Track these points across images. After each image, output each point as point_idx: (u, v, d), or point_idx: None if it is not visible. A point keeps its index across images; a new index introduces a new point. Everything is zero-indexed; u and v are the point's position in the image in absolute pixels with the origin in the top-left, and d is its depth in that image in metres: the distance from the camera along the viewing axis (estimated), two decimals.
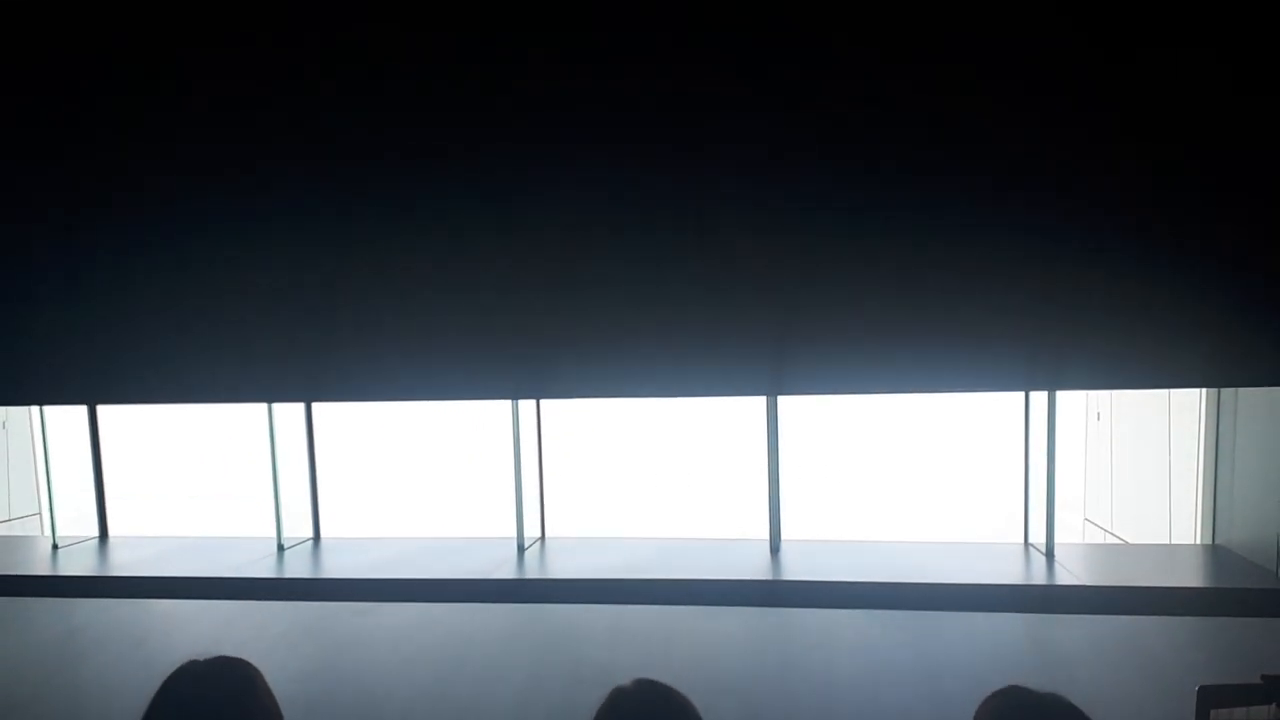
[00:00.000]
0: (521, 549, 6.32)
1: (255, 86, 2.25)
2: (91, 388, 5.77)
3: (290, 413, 6.82)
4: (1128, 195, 2.56)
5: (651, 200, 2.63)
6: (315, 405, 6.90)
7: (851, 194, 2.81)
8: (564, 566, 6.04)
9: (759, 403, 6.15)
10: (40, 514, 7.92)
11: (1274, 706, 1.76)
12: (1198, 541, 6.13)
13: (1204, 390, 6.03)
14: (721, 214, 2.81)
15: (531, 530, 6.52)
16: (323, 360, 5.03)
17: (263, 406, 6.66)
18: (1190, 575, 5.63)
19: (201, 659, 1.61)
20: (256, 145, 2.42)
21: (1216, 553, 5.84)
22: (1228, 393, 5.77)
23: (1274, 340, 4.12)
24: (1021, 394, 6.05)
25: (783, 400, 6.12)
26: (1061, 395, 5.88)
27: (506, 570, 5.89)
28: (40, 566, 6.49)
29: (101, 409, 7.21)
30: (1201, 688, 1.77)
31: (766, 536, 6.24)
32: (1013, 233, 2.87)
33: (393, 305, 3.80)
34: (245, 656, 1.66)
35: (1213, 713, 1.77)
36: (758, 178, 2.64)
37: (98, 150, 2.41)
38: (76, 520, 7.17)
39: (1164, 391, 6.67)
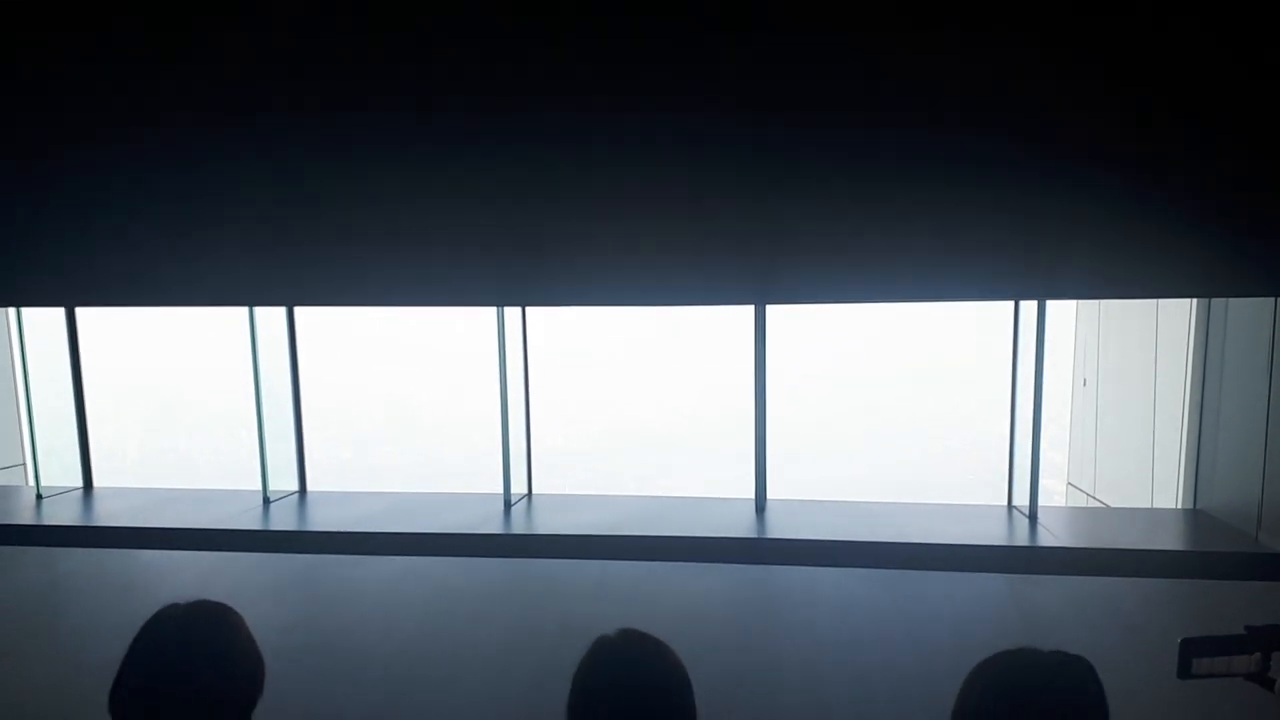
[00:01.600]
0: (508, 505, 6.33)
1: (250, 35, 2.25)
2: (74, 289, 5.76)
3: (277, 362, 6.78)
4: (1115, 118, 2.58)
5: (641, 115, 2.61)
6: (302, 359, 6.85)
7: (842, 109, 2.81)
8: (550, 522, 6.05)
9: (748, 362, 6.14)
10: (24, 464, 7.88)
11: (1258, 656, 1.77)
12: (1179, 506, 6.18)
13: (1189, 356, 6.05)
14: (714, 130, 2.80)
15: (519, 488, 6.53)
16: (306, 265, 5.03)
17: (248, 361, 6.61)
18: (1171, 538, 5.68)
19: (182, 603, 1.59)
20: (240, 75, 2.41)
21: (1197, 517, 5.90)
22: (1213, 359, 5.80)
23: (1259, 253, 4.16)
24: (1009, 343, 6.06)
25: (771, 361, 6.11)
26: (1049, 360, 5.88)
27: (493, 525, 5.91)
28: (25, 516, 6.47)
29: (85, 358, 7.15)
30: (1184, 640, 1.78)
31: (752, 495, 6.27)
32: (1004, 147, 2.88)
33: (379, 212, 3.78)
34: (234, 607, 1.65)
35: (1195, 661, 1.78)
36: (750, 97, 2.65)
37: (96, 78, 2.40)
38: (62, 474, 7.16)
39: (1149, 357, 6.69)
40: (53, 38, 2.31)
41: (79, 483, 7.18)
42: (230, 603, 1.66)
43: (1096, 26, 2.14)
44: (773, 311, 6.09)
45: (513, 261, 4.70)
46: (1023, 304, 5.97)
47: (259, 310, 6.59)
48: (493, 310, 6.30)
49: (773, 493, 6.24)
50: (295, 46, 2.37)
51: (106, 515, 6.52)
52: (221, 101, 2.77)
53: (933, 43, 2.27)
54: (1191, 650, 1.79)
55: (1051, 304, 5.84)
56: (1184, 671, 1.79)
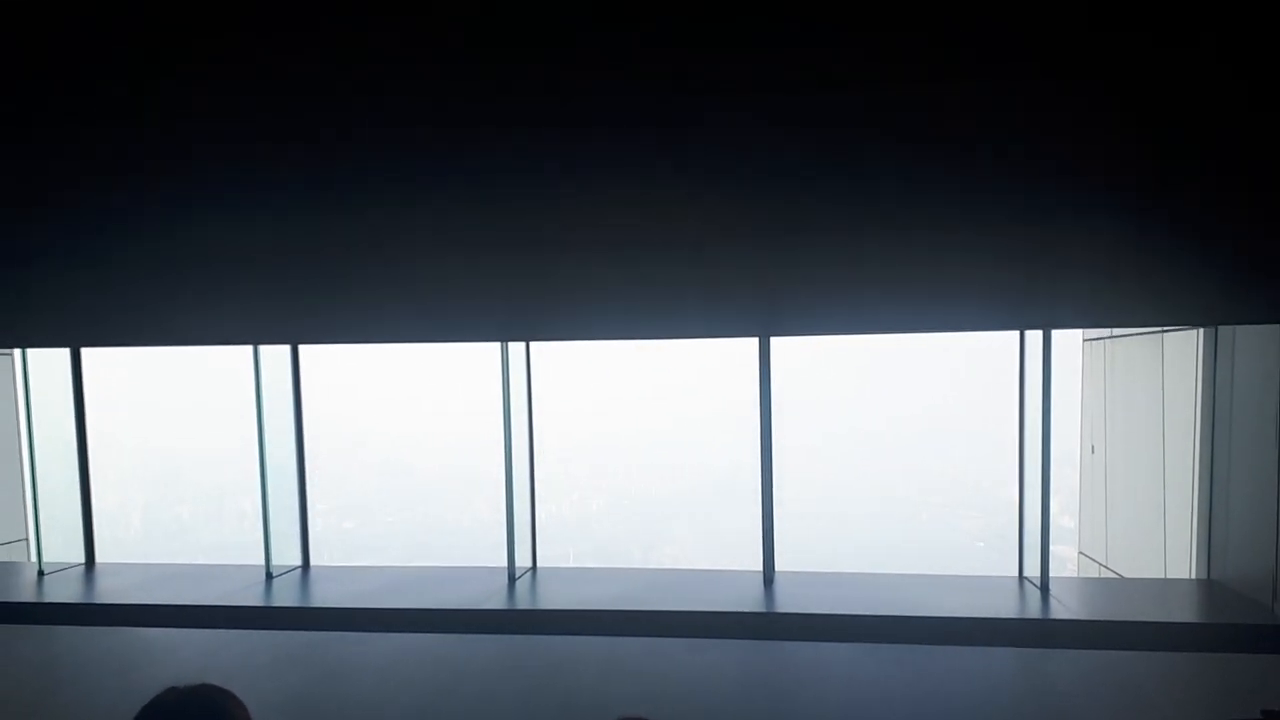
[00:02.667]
0: (513, 579, 6.27)
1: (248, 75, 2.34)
2: (80, 330, 5.78)
3: (282, 435, 6.78)
4: (1117, 150, 2.64)
5: (640, 149, 2.68)
6: (306, 428, 6.85)
7: (845, 142, 2.89)
8: (555, 597, 5.98)
9: (754, 431, 6.12)
10: (27, 539, 7.84)
11: None
12: (1192, 576, 6.10)
13: (1198, 422, 6.03)
14: (715, 162, 2.86)
15: (523, 560, 6.47)
16: (309, 306, 5.07)
17: (253, 431, 6.61)
18: (1185, 610, 5.59)
19: (180, 687, 1.57)
20: (244, 121, 2.50)
21: (1211, 587, 5.82)
22: (1221, 427, 5.77)
23: (1259, 279, 4.18)
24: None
25: (777, 431, 6.11)
26: (1056, 428, 5.87)
27: (497, 601, 5.84)
28: (26, 593, 6.42)
29: (91, 430, 7.16)
30: None
31: (760, 568, 6.20)
32: (1005, 178, 2.94)
33: (387, 251, 3.83)
34: (231, 686, 1.62)
35: None
36: (753, 127, 2.72)
37: (102, 120, 2.49)
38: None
39: (1158, 423, 6.67)
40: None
41: (81, 557, 7.13)
42: (231, 681, 1.64)
43: (1099, 58, 2.20)
44: (777, 379, 6.09)
45: (517, 297, 4.75)
46: (1028, 367, 5.98)
47: (265, 379, 6.62)
48: (498, 379, 6.31)
49: (780, 560, 6.18)
50: (297, 88, 2.45)
51: (108, 592, 6.47)
52: (227, 145, 2.87)
53: (938, 84, 2.35)
54: None
55: (1057, 368, 5.84)
56: None
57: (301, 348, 6.81)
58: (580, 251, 3.96)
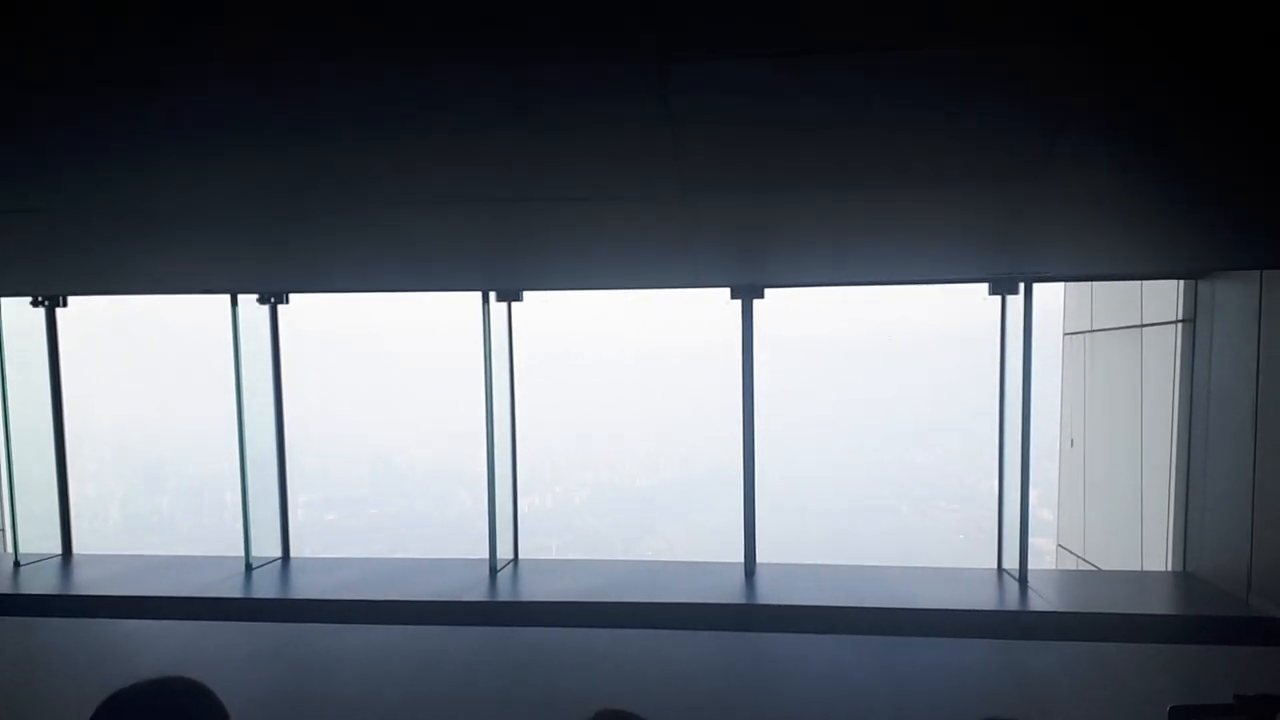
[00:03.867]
0: (494, 570, 6.26)
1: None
2: (61, 278, 5.74)
3: (263, 425, 6.74)
4: (1100, 99, 2.65)
5: (627, 96, 2.69)
6: (287, 417, 6.81)
7: (829, 88, 2.91)
8: (536, 589, 5.98)
9: (735, 420, 6.13)
10: (3, 530, 7.76)
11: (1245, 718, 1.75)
12: (1169, 568, 6.16)
13: (1176, 416, 6.08)
14: (700, 113, 2.87)
15: (505, 552, 6.46)
16: (292, 254, 5.08)
17: (233, 423, 6.57)
18: (1161, 602, 5.65)
19: (149, 679, 1.52)
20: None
21: (1187, 579, 5.88)
22: (1199, 421, 5.82)
23: (1237, 230, 4.24)
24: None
25: (760, 424, 6.12)
26: (1036, 425, 5.91)
27: (478, 592, 5.83)
28: (2, 584, 6.35)
29: (69, 420, 7.09)
30: (1173, 708, 1.76)
31: (741, 560, 6.22)
32: (989, 123, 2.96)
33: (365, 199, 3.84)
34: (209, 678, 1.59)
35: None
36: (737, 72, 2.75)
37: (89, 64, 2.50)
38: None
39: (1136, 417, 6.72)
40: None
41: (58, 549, 7.08)
42: (210, 673, 1.60)
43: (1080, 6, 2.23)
44: (761, 373, 6.09)
45: (500, 248, 4.76)
46: (1009, 362, 6.00)
47: (246, 371, 6.57)
48: (480, 372, 6.29)
49: (761, 553, 6.20)
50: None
51: (85, 584, 6.41)
52: (208, 100, 2.88)
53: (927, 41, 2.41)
54: (1181, 719, 1.77)
55: (1037, 363, 5.86)
56: None
57: (282, 341, 6.76)
58: (562, 205, 4.00)
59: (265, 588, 6.13)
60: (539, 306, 6.44)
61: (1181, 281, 6.01)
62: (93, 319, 7.29)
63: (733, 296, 6.03)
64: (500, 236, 4.56)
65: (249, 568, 6.48)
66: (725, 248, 4.62)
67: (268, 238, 4.68)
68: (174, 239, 4.54)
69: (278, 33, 2.47)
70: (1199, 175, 3.47)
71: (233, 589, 6.06)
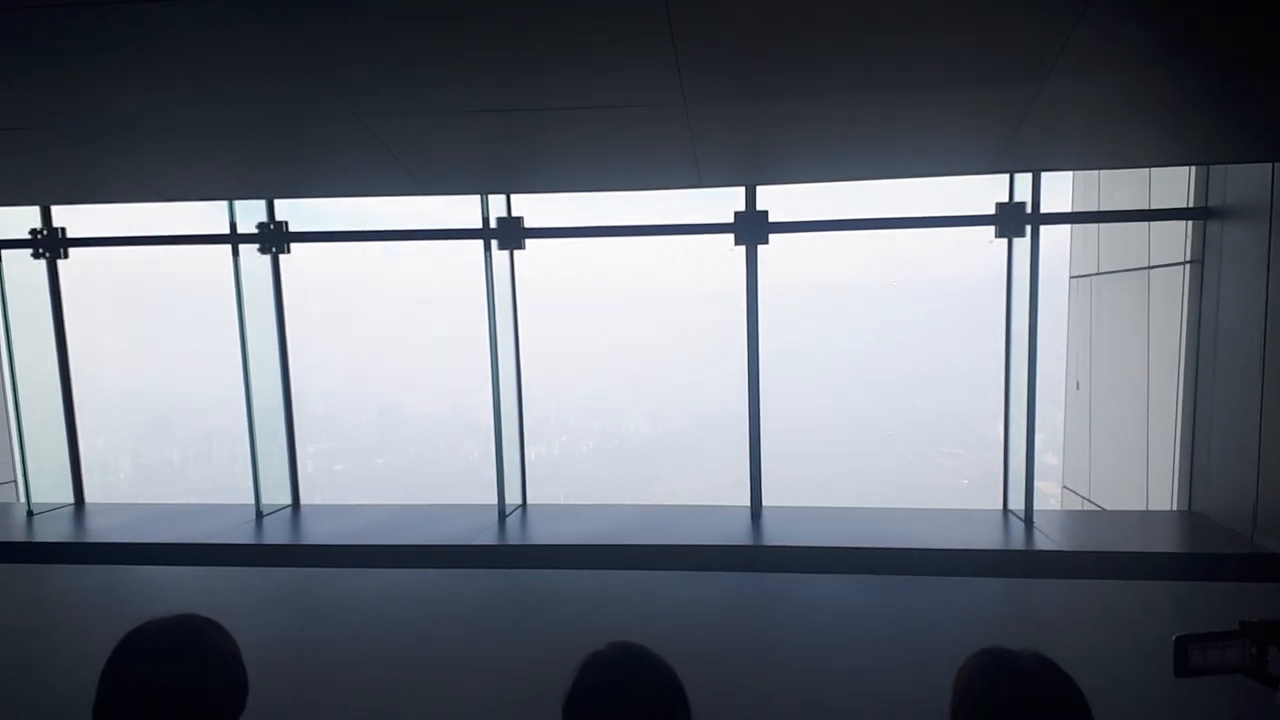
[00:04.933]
0: (503, 516, 6.30)
1: None
2: (58, 188, 5.78)
3: (269, 375, 6.75)
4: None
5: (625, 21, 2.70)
6: (294, 369, 6.82)
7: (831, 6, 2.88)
8: (544, 533, 6.03)
9: (741, 363, 6.13)
10: (15, 482, 7.82)
11: (1254, 650, 1.77)
12: (1174, 508, 6.18)
13: (1181, 358, 6.06)
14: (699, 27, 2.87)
15: (513, 499, 6.50)
16: (290, 160, 5.13)
17: (240, 374, 6.58)
18: (1166, 541, 5.68)
19: (163, 617, 1.56)
20: None
21: (1192, 519, 5.90)
22: (1205, 361, 5.80)
23: (1245, 119, 4.23)
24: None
25: (765, 369, 6.11)
26: (1042, 365, 5.89)
27: (487, 537, 5.88)
28: (15, 533, 6.42)
29: (76, 372, 7.11)
30: (1179, 637, 1.79)
31: (748, 503, 6.25)
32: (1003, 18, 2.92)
33: (368, 101, 3.85)
34: (221, 620, 1.62)
35: (1191, 656, 1.78)
36: None
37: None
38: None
39: (1142, 360, 6.70)
40: None
41: (70, 499, 7.14)
42: (222, 617, 1.63)
43: None
44: (765, 317, 6.07)
45: (498, 153, 4.79)
46: (1015, 302, 5.97)
47: (250, 320, 6.56)
48: (484, 320, 6.28)
49: (767, 496, 6.23)
50: None
51: (97, 531, 6.48)
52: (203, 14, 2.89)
53: None
54: (1188, 646, 1.79)
55: (1043, 306, 5.83)
56: (1181, 668, 1.79)
57: (286, 291, 6.75)
58: (560, 111, 4.01)
59: (276, 533, 6.19)
60: (542, 253, 6.41)
61: (1190, 223, 5.95)
62: (94, 272, 7.27)
63: (737, 242, 5.99)
64: (501, 144, 4.60)
65: (259, 515, 6.53)
66: (727, 148, 4.64)
67: (264, 149, 4.75)
68: (174, 148, 4.59)
69: None
70: (1215, 61, 3.44)
71: (244, 535, 6.12)
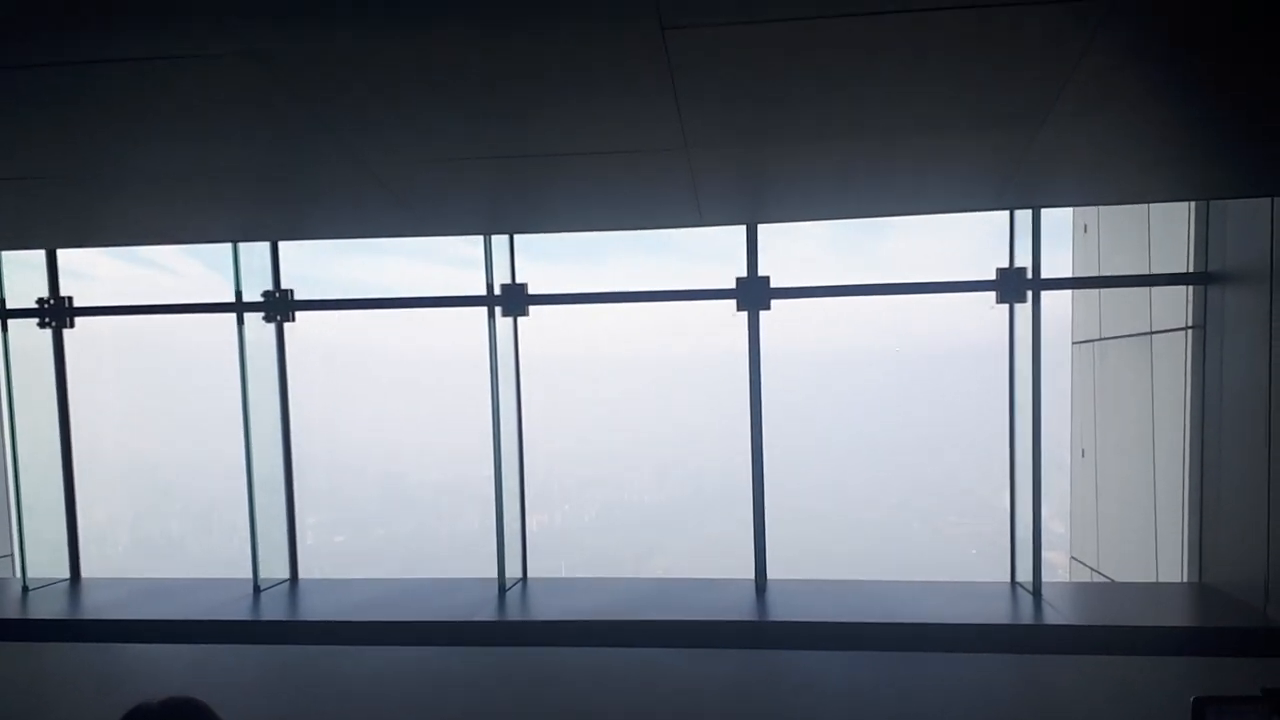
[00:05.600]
0: (503, 590, 6.22)
1: None
2: (60, 232, 5.81)
3: (269, 446, 6.73)
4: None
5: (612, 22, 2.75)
6: (295, 438, 6.80)
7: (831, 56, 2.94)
8: (546, 608, 5.94)
9: (744, 435, 6.10)
10: (11, 555, 7.75)
11: (1272, 715, 1.73)
12: (1184, 579, 6.09)
13: (1188, 423, 6.03)
14: (697, 36, 2.92)
15: (513, 571, 6.42)
16: (293, 203, 5.18)
17: (240, 444, 6.56)
18: (1178, 614, 5.58)
19: (153, 701, 1.54)
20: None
21: (1204, 591, 5.81)
22: (1211, 429, 5.77)
23: (1246, 156, 4.25)
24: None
25: (768, 438, 6.08)
26: (1047, 436, 5.86)
27: (487, 612, 5.79)
28: (10, 609, 6.34)
29: (76, 443, 7.09)
30: (1197, 699, 1.75)
31: (752, 576, 6.17)
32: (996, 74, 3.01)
33: (373, 145, 3.90)
34: (217, 701, 1.59)
35: (1208, 710, 1.74)
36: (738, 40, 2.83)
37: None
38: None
39: (1148, 425, 6.67)
40: None
41: (67, 573, 7.06)
42: (217, 696, 1.61)
43: None
44: (768, 385, 6.07)
45: (501, 192, 4.84)
46: (1018, 369, 5.97)
47: (252, 390, 6.57)
48: (487, 389, 6.28)
49: (771, 564, 6.15)
50: None
51: (93, 608, 6.40)
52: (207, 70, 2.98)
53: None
54: (1205, 707, 1.75)
55: (1046, 372, 5.82)
56: None
57: (289, 360, 6.76)
58: (562, 158, 4.13)
59: (273, 609, 6.10)
60: (545, 320, 6.44)
61: (1190, 288, 5.97)
62: (99, 340, 7.30)
63: (739, 308, 6.02)
64: (504, 188, 4.71)
65: (257, 589, 6.45)
66: (728, 188, 4.72)
67: (268, 192, 4.84)
68: (176, 194, 4.69)
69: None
70: (1214, 103, 3.51)
71: (240, 611, 6.03)
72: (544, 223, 5.68)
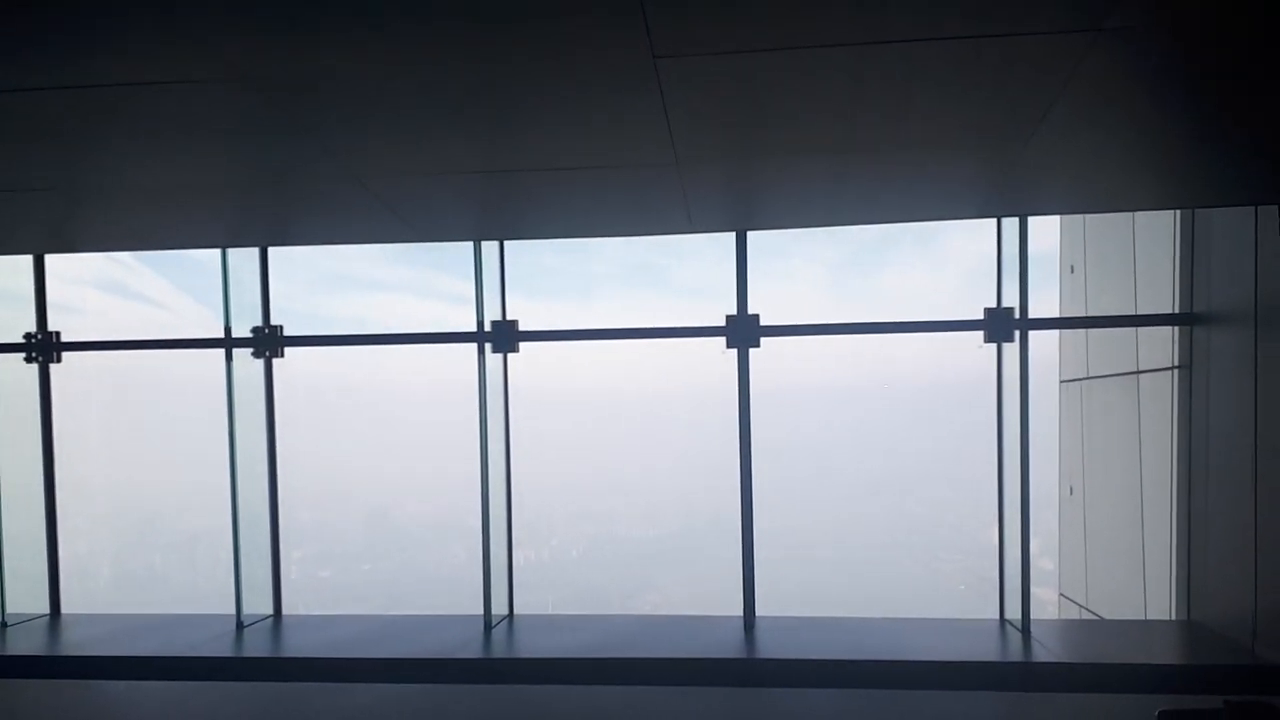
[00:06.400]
0: (489, 627, 6.16)
1: None
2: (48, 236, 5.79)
3: (255, 480, 6.68)
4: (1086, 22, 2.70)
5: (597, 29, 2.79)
6: (280, 473, 6.76)
7: (820, 67, 2.97)
8: (532, 645, 5.88)
9: (733, 471, 6.10)
10: None
11: None
12: (1173, 616, 6.08)
13: (1175, 461, 6.05)
14: (687, 64, 2.95)
15: (500, 608, 6.37)
16: (280, 211, 5.22)
17: (226, 477, 6.51)
18: (1167, 652, 5.57)
19: None
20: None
21: (1192, 628, 5.80)
22: (1198, 466, 5.79)
23: (1233, 164, 4.32)
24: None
25: (757, 475, 6.08)
26: (1035, 474, 5.87)
27: (472, 650, 5.73)
28: None
29: (60, 477, 7.03)
30: (1161, 711, 1.77)
31: (741, 613, 6.13)
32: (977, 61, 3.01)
33: (356, 151, 3.91)
34: None
35: None
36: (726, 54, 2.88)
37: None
38: None
39: (1135, 463, 6.69)
40: None
41: (47, 608, 6.97)
42: None
43: None
44: (757, 421, 6.07)
45: (493, 201, 4.88)
46: (1006, 408, 5.99)
47: (239, 424, 6.53)
48: (475, 423, 6.26)
49: (761, 600, 6.12)
50: None
51: (73, 644, 6.30)
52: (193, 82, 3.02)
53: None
54: None
55: (1034, 411, 5.85)
56: None
57: (277, 397, 6.74)
58: (556, 171, 4.22)
59: (256, 646, 6.02)
60: (536, 354, 6.44)
61: (1176, 328, 6.02)
62: (85, 374, 7.26)
63: (729, 345, 6.04)
64: (495, 198, 4.83)
65: (240, 625, 6.37)
66: (718, 198, 4.83)
67: (254, 200, 4.95)
68: (163, 205, 4.79)
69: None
70: (1200, 113, 3.58)
71: (223, 648, 5.95)
72: (535, 230, 5.76)
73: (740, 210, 5.21)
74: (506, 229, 5.90)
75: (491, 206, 5.07)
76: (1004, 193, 4.63)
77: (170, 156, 3.89)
